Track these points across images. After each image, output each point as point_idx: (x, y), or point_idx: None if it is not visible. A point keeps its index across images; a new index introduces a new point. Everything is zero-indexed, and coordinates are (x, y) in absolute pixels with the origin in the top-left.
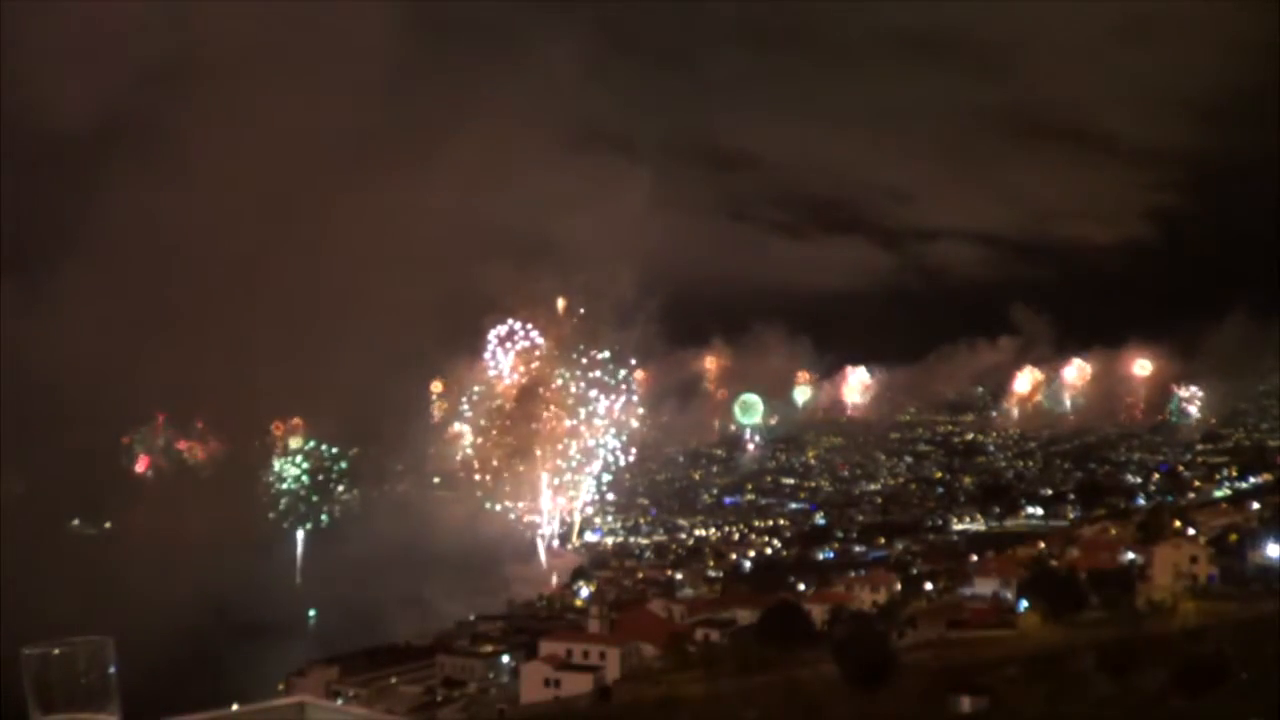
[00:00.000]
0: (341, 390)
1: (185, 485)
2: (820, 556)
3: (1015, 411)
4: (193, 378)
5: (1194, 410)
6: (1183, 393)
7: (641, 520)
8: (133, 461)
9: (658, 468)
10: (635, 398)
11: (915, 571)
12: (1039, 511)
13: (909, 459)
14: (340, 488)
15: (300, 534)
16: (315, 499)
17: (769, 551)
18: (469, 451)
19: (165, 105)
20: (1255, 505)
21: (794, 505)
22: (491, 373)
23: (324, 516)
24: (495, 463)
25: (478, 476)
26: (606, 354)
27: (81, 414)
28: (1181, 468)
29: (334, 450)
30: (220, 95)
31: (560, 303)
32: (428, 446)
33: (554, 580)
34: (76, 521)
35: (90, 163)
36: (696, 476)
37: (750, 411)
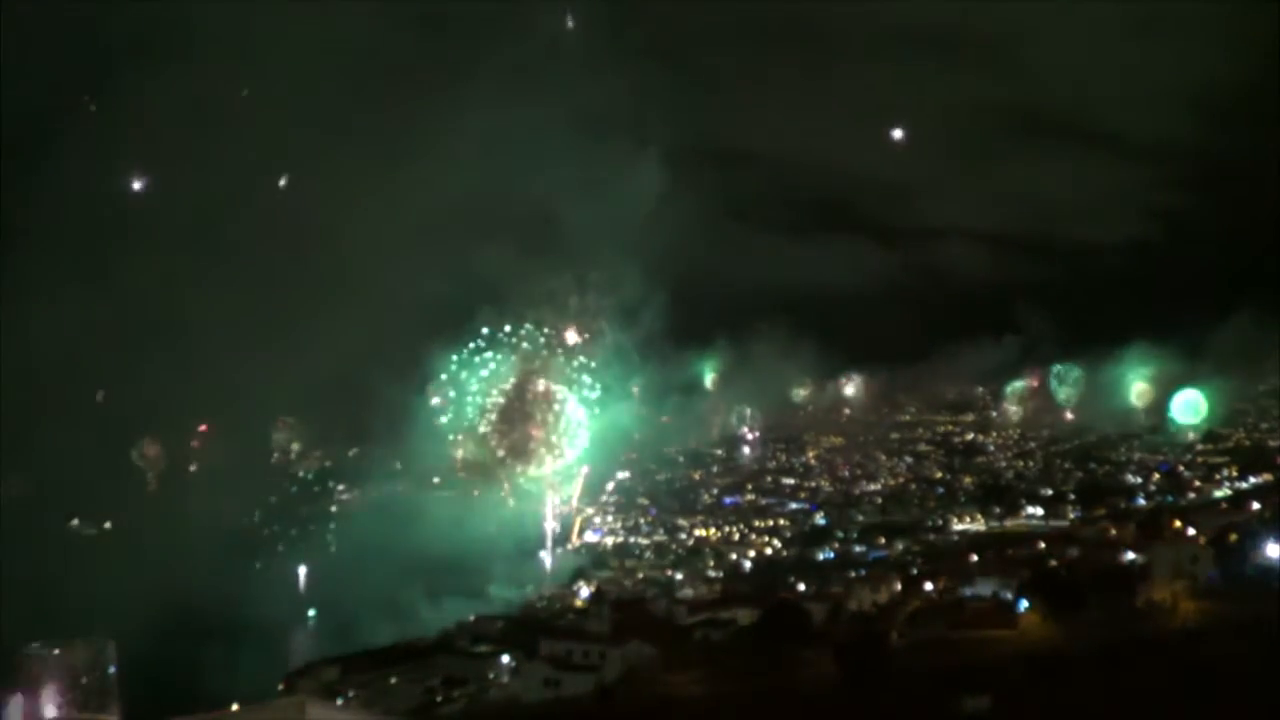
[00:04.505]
0: (341, 389)
1: (187, 487)
2: (820, 556)
3: (1016, 411)
4: (193, 376)
5: (1194, 413)
6: (1184, 396)
7: (641, 520)
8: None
9: (658, 468)
10: (635, 397)
11: (915, 571)
12: (1039, 511)
13: (909, 459)
14: (341, 486)
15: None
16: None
17: (769, 551)
18: (469, 450)
19: (143, 89)
20: (1255, 505)
21: (794, 505)
22: (491, 371)
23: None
24: (494, 462)
25: (476, 476)
26: (607, 352)
27: (82, 413)
28: (1181, 468)
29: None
30: (204, 80)
31: (561, 300)
32: (427, 445)
33: (553, 580)
34: (76, 521)
35: (76, 152)
36: (696, 476)
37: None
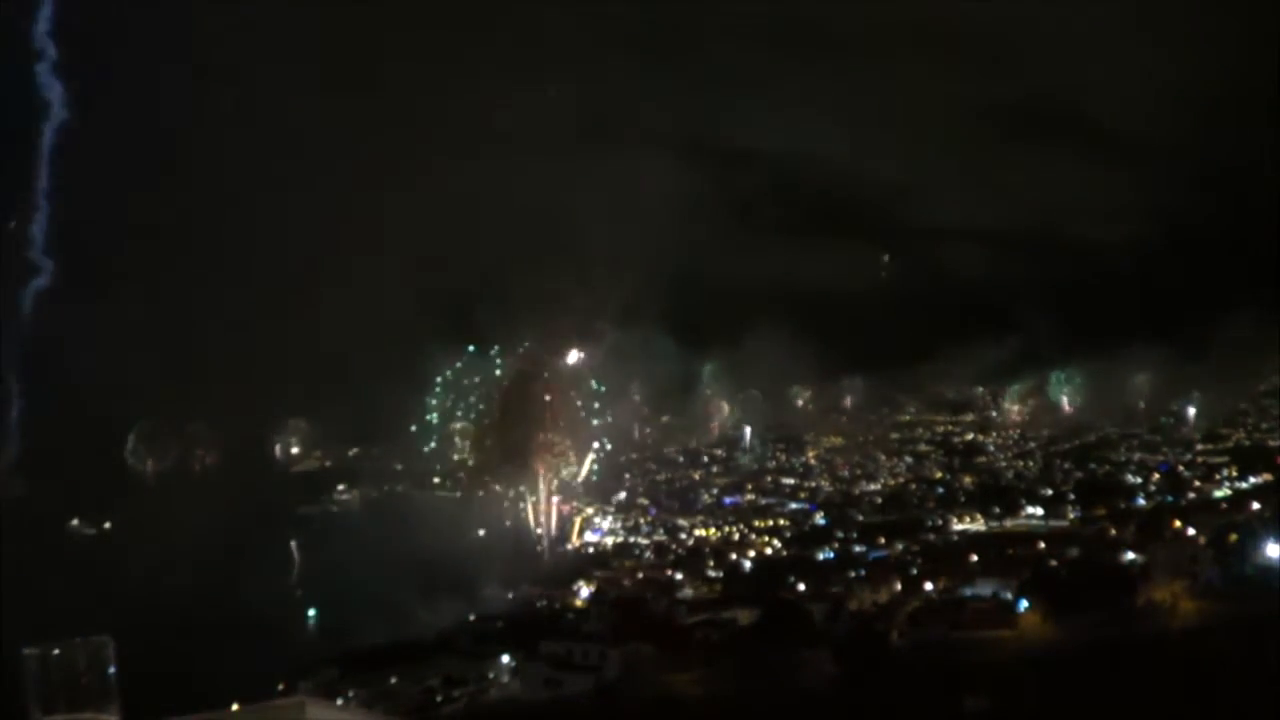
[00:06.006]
0: (341, 389)
1: (186, 487)
2: (820, 556)
3: (1016, 411)
4: (193, 375)
5: (1193, 413)
6: (1183, 399)
7: (641, 520)
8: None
9: (658, 468)
10: (635, 397)
11: (915, 571)
12: (1039, 511)
13: (909, 459)
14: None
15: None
16: None
17: (769, 551)
18: (468, 451)
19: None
20: (1255, 505)
21: (794, 505)
22: (491, 371)
23: None
24: (494, 462)
25: (477, 476)
26: (607, 352)
27: (82, 412)
28: (1181, 468)
29: None
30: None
31: (562, 299)
32: (427, 446)
33: (552, 581)
34: (76, 521)
35: None
36: (696, 476)
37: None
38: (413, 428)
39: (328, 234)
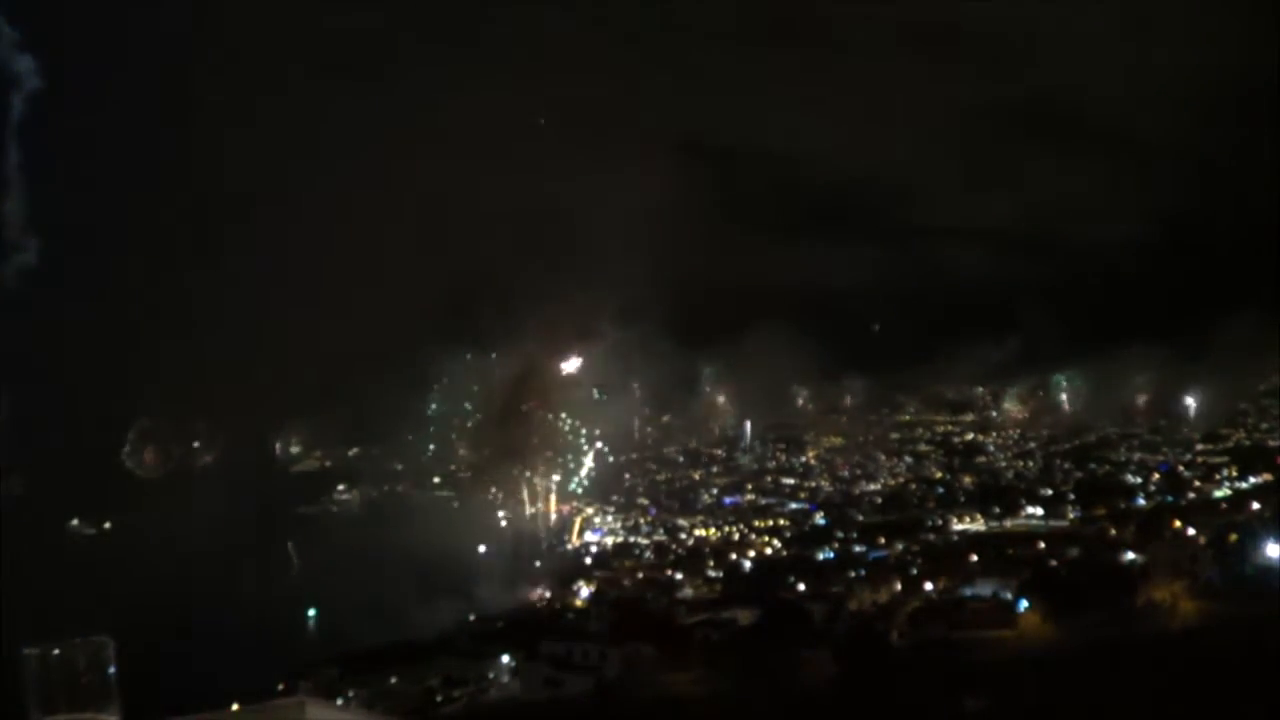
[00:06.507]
0: (341, 389)
1: (186, 487)
2: (820, 556)
3: (1016, 411)
4: (193, 375)
5: (1193, 413)
6: (1183, 399)
7: (641, 520)
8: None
9: (658, 468)
10: (636, 397)
11: (915, 571)
12: (1039, 511)
13: (909, 459)
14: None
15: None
16: None
17: (769, 551)
18: (468, 451)
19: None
20: (1255, 505)
21: (794, 505)
22: (491, 371)
23: None
24: (494, 463)
25: (476, 476)
26: (607, 352)
27: (82, 412)
28: (1181, 468)
29: None
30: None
31: (562, 299)
32: (427, 446)
33: (552, 581)
34: (76, 521)
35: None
36: (696, 476)
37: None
38: (413, 429)
39: (329, 232)
